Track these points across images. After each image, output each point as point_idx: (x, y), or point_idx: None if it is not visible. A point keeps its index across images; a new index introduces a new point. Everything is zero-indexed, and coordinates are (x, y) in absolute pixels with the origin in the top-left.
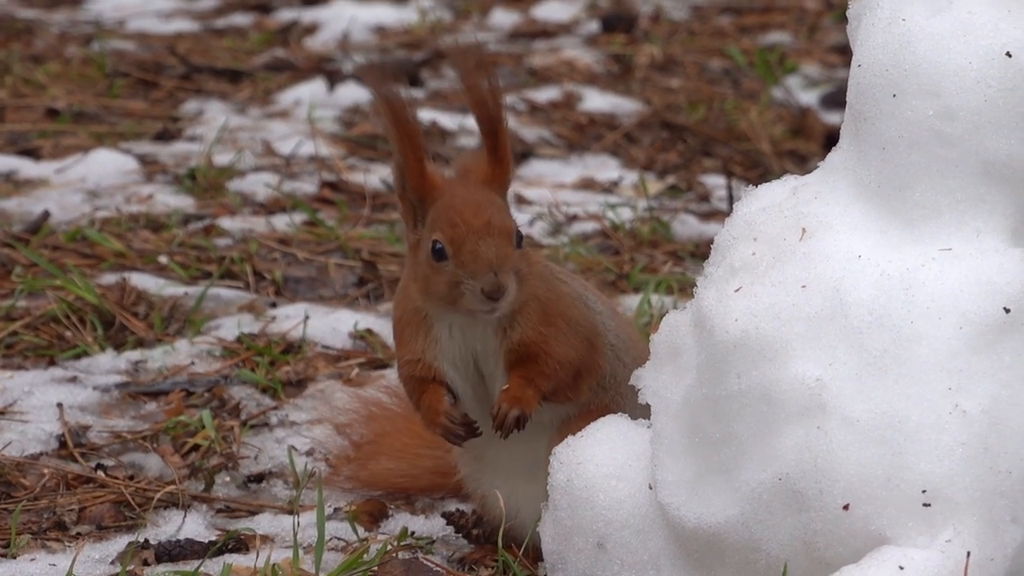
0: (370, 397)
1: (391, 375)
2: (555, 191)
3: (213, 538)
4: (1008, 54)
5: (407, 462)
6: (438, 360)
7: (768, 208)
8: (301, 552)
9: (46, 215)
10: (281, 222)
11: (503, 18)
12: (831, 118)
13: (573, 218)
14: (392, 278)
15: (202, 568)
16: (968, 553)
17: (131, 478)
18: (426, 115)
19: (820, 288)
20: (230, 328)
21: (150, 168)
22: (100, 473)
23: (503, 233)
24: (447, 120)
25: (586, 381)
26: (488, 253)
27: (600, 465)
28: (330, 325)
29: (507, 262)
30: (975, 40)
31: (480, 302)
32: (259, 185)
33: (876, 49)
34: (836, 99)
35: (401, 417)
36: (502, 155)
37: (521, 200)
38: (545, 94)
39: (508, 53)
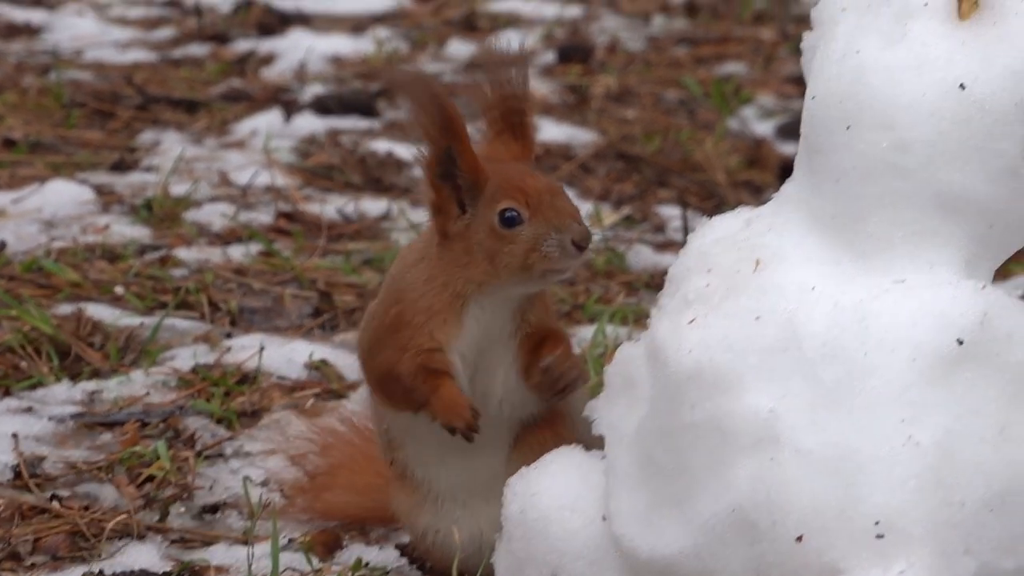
0: (325, 427)
1: (346, 405)
2: None
3: (168, 569)
4: (962, 86)
5: (363, 494)
6: (453, 351)
7: (722, 239)
8: None
9: (2, 245)
10: (237, 252)
11: (459, 48)
12: (786, 149)
13: None
14: (347, 308)
15: None
16: None
17: (86, 509)
18: (382, 146)
19: (774, 320)
20: (185, 358)
21: (106, 198)
22: (55, 504)
23: (563, 192)
24: (402, 151)
25: None
26: (568, 206)
27: (554, 496)
28: (285, 356)
29: (580, 214)
30: (929, 72)
31: (569, 256)
32: (215, 215)
33: (830, 81)
34: (791, 130)
35: (356, 448)
36: (528, 135)
37: None
38: None
39: (464, 84)
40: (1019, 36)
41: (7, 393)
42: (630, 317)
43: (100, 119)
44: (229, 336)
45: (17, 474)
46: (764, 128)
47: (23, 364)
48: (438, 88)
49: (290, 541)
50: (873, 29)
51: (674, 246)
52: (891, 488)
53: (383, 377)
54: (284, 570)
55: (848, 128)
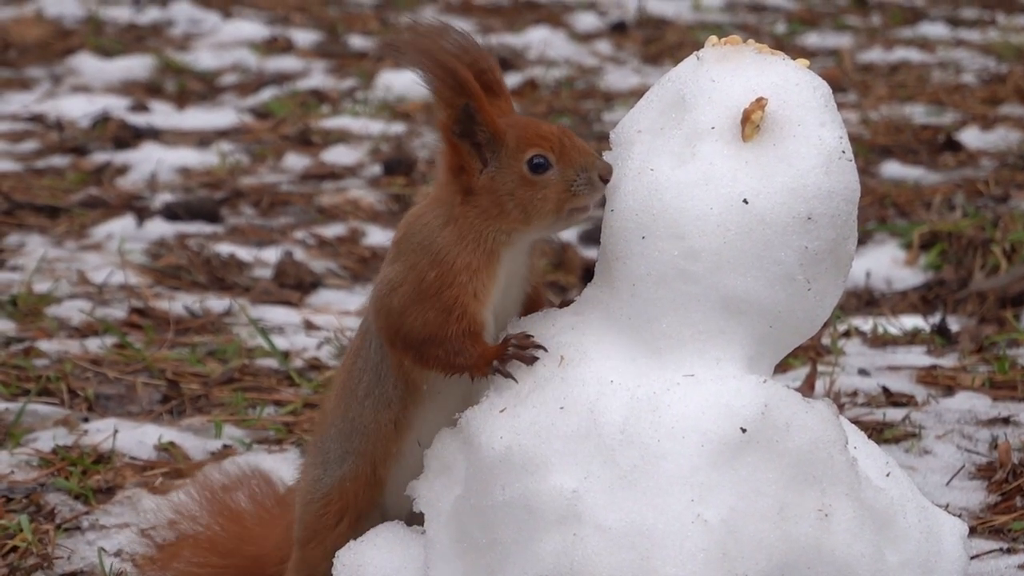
0: (173, 503)
1: (191, 484)
2: (341, 317)
3: None
4: (745, 201)
5: (207, 560)
6: (489, 308)
7: None
8: None
9: None
10: (93, 344)
11: (295, 161)
12: (589, 253)
13: None
14: (193, 395)
15: None
16: None
17: None
18: (225, 248)
19: (576, 409)
20: (46, 440)
21: None
22: None
23: (572, 132)
24: (244, 253)
25: None
26: (583, 143)
27: (378, 567)
28: (137, 438)
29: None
30: (716, 188)
31: (596, 190)
32: (74, 311)
33: (627, 196)
34: (593, 236)
35: (200, 520)
36: (504, 90)
37: (310, 326)
38: (332, 230)
39: (299, 193)
40: (796, 157)
41: None
42: None
43: None
44: (86, 420)
45: None
46: (569, 234)
47: None
48: (446, 53)
49: None
50: (666, 149)
51: None
52: (682, 561)
53: (424, 342)
54: None
55: (643, 238)
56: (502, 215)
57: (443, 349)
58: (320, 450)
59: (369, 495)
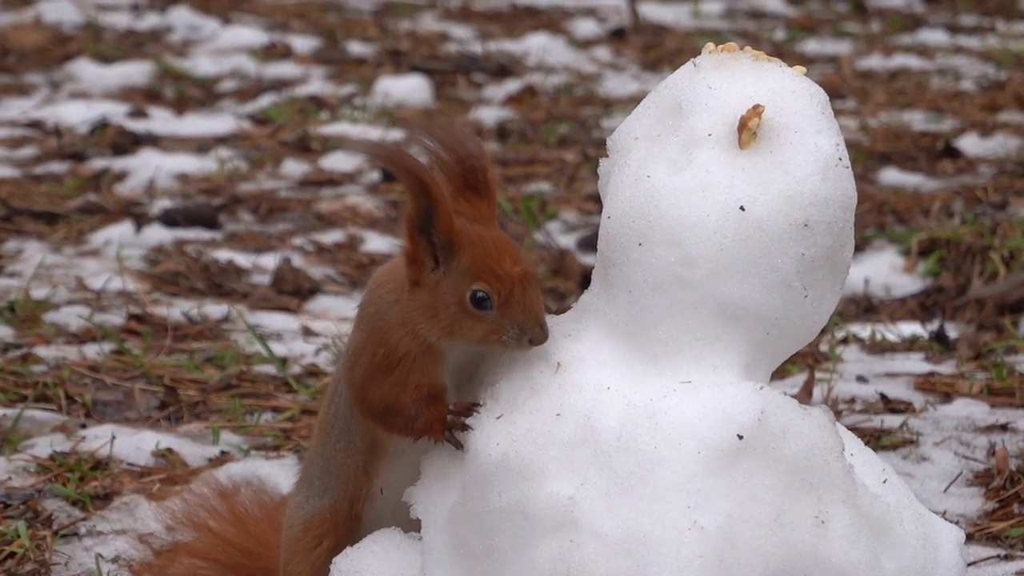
0: (170, 509)
1: (189, 489)
2: (339, 324)
3: None
4: (742, 208)
5: (206, 564)
6: (444, 374)
7: None
8: None
9: None
10: (91, 351)
11: (294, 168)
12: (587, 259)
13: None
14: (191, 401)
15: None
16: None
17: None
18: (223, 255)
19: (573, 416)
20: (44, 447)
21: None
22: None
23: (535, 278)
24: (242, 259)
25: None
26: (537, 306)
27: (375, 573)
28: (134, 444)
29: (543, 310)
30: (712, 196)
31: (521, 347)
32: (72, 317)
33: (624, 202)
34: (591, 242)
35: (198, 526)
36: (491, 192)
37: (308, 332)
38: (331, 236)
39: (298, 199)
40: (793, 164)
41: None
42: None
43: None
44: (84, 427)
45: None
46: (567, 240)
47: None
48: (414, 159)
49: None
50: (663, 156)
51: None
52: (678, 568)
53: (385, 411)
54: None
55: (640, 245)
56: (435, 319)
57: (402, 417)
58: (307, 474)
59: (348, 527)
